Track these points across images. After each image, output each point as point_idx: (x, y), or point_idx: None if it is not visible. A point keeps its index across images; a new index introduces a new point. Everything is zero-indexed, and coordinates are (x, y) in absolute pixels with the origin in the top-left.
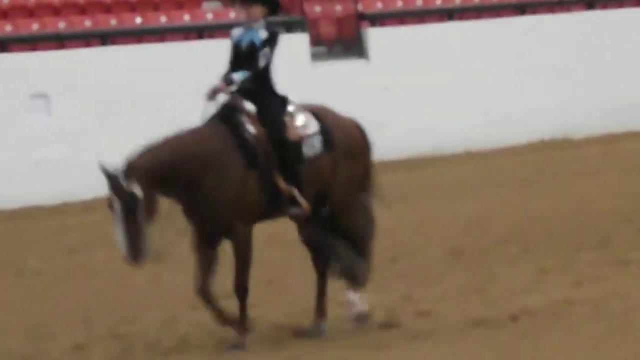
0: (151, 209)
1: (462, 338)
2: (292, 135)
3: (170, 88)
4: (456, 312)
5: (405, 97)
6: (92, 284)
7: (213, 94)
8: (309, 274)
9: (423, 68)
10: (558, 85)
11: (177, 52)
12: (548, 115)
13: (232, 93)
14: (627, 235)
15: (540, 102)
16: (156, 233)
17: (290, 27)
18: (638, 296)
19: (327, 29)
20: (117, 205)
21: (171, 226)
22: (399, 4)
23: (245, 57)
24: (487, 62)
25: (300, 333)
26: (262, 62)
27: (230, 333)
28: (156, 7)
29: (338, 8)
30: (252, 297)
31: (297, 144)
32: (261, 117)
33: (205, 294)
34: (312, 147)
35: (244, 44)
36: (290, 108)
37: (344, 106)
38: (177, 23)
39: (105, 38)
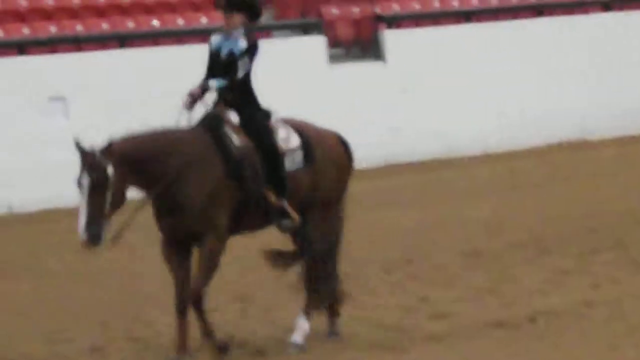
0: (119, 195)
1: (479, 340)
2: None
3: (187, 90)
4: (473, 314)
5: (422, 98)
6: (109, 286)
7: (191, 102)
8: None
9: (440, 70)
10: (575, 87)
11: (195, 55)
12: (565, 117)
13: (216, 102)
14: None
15: (557, 104)
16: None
17: (307, 30)
18: None
19: (345, 31)
20: (85, 182)
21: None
22: (416, 6)
23: (223, 66)
24: (504, 64)
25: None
26: (240, 72)
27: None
28: (173, 10)
29: (355, 10)
30: (273, 300)
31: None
32: (247, 128)
33: (185, 305)
34: (293, 161)
35: (224, 52)
36: (272, 122)
37: (361, 108)
38: (194, 25)
39: (123, 41)
